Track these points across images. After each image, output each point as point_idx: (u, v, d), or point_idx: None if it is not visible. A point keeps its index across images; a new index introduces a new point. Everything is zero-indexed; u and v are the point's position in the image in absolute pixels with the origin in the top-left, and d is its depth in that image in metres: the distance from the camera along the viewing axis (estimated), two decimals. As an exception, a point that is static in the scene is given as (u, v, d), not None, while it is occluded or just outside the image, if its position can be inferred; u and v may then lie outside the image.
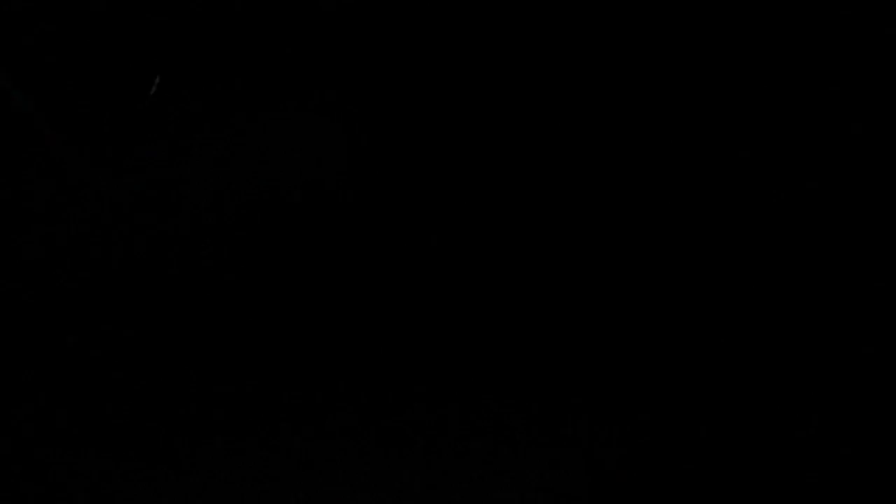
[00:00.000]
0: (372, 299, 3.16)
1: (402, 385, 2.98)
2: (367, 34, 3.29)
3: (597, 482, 2.81)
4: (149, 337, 2.93)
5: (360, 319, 3.12)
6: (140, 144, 3.09)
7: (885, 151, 3.21)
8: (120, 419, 2.81)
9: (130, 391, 2.87)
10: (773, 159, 3.30)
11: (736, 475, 2.81)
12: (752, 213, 3.26)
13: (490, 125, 3.34)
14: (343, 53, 3.26)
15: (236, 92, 3.17)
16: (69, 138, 3.02)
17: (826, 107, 3.28)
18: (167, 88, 3.15)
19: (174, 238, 3.04)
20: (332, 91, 3.21)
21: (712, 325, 3.13)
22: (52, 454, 2.71)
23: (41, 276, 2.93)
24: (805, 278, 3.15)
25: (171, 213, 3.05)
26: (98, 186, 3.00)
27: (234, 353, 2.95)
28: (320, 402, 2.94)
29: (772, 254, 3.21)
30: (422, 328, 3.11)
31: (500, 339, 3.12)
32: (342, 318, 3.09)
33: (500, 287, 3.23)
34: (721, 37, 3.35)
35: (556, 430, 2.92)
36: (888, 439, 2.81)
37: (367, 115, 3.22)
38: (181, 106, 3.14)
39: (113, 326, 2.90)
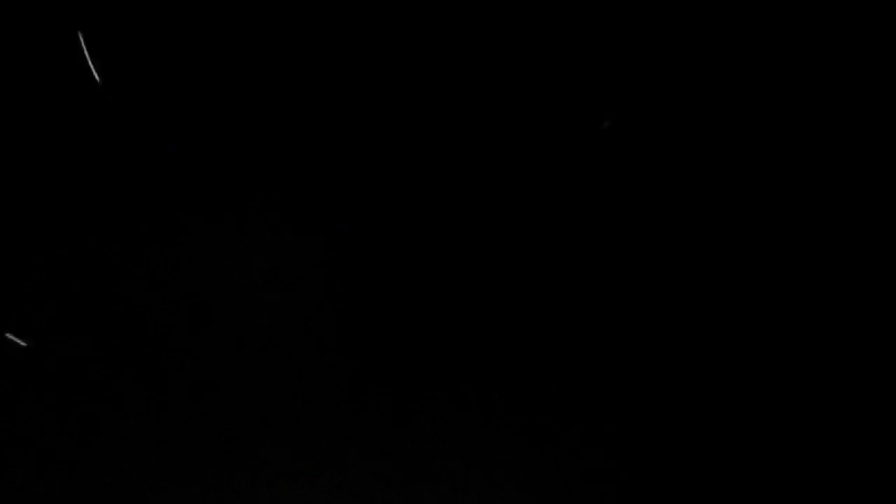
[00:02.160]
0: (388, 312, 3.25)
1: (409, 398, 3.06)
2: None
3: (595, 485, 2.83)
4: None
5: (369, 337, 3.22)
6: None
7: (884, 155, 3.20)
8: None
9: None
10: (773, 161, 3.29)
11: (734, 476, 2.82)
12: (752, 215, 3.25)
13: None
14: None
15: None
16: None
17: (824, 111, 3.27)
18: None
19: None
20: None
21: (710, 327, 3.14)
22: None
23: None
24: (805, 279, 3.15)
25: None
26: None
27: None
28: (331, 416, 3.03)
29: (772, 255, 3.21)
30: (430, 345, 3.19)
31: (498, 348, 3.17)
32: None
33: (498, 300, 3.27)
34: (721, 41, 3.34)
35: (554, 434, 2.95)
36: (888, 439, 2.81)
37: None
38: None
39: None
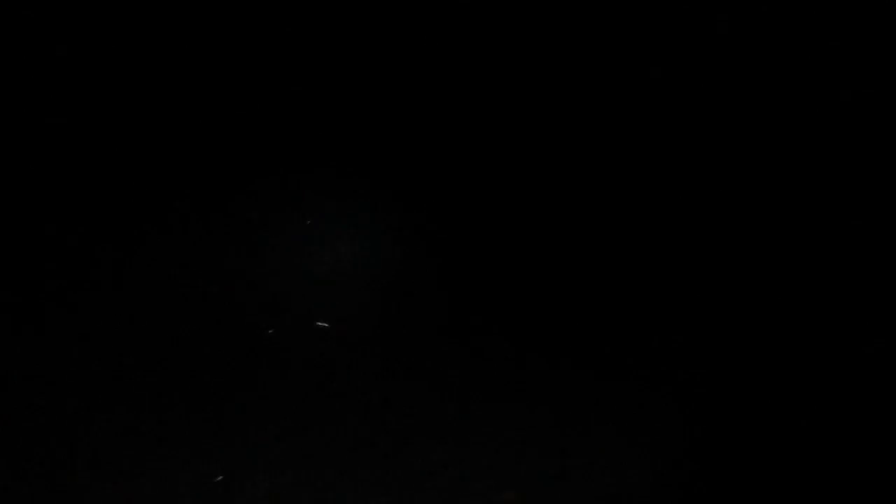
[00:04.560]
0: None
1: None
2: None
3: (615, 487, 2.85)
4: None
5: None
6: None
7: (883, 157, 3.22)
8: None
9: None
10: (775, 160, 3.30)
11: (743, 475, 2.83)
12: (758, 216, 3.27)
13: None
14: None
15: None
16: None
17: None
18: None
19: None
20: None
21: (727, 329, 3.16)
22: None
23: None
24: (808, 280, 3.17)
25: None
26: None
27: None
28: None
29: (779, 256, 3.22)
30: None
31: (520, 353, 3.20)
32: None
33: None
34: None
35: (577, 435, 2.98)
36: (888, 439, 2.82)
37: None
38: None
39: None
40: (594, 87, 3.45)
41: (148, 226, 3.37)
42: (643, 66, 3.40)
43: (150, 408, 3.03)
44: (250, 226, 3.40)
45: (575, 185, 3.41)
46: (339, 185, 3.47)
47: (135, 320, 3.22)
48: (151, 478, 2.87)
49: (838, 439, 2.87)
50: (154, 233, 3.36)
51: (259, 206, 3.43)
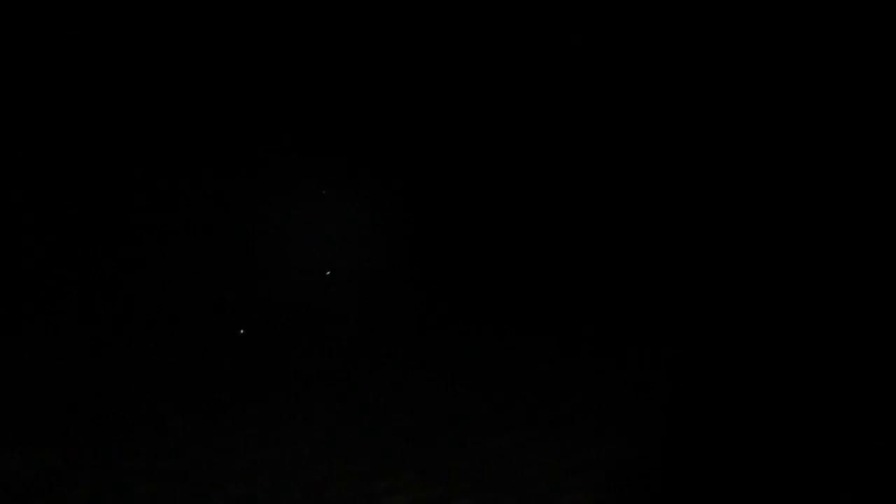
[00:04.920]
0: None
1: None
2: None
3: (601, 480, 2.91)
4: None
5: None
6: None
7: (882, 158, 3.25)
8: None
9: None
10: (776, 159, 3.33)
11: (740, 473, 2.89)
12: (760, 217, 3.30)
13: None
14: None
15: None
16: None
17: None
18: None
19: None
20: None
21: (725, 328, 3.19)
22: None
23: None
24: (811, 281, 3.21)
25: None
26: None
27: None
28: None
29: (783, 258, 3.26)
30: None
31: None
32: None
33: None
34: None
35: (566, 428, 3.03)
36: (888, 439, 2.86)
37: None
38: None
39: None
40: (564, 83, 3.47)
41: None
42: (634, 62, 3.42)
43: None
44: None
45: (564, 184, 3.45)
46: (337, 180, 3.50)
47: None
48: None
49: (836, 439, 2.92)
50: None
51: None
